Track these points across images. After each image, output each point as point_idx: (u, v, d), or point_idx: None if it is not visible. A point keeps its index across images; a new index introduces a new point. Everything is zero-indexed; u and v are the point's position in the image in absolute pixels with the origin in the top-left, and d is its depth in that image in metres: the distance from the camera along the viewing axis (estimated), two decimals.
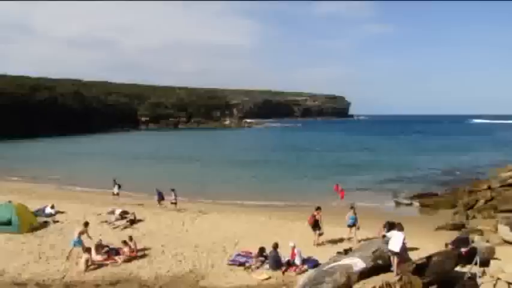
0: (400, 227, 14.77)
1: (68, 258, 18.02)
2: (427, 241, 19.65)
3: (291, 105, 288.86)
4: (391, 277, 13.74)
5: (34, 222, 22.96)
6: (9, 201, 23.73)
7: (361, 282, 13.91)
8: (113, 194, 31.09)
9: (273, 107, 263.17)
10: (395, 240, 14.27)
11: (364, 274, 14.12)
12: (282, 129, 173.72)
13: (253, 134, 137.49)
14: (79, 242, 18.22)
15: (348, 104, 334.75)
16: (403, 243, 14.35)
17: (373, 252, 14.86)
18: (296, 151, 75.67)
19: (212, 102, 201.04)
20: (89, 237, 18.87)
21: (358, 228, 20.38)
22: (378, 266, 14.51)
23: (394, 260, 14.24)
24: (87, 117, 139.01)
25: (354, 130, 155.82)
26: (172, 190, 28.79)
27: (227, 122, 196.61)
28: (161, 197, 28.99)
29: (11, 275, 16.82)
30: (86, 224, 19.46)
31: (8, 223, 21.67)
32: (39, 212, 24.95)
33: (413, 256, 16.00)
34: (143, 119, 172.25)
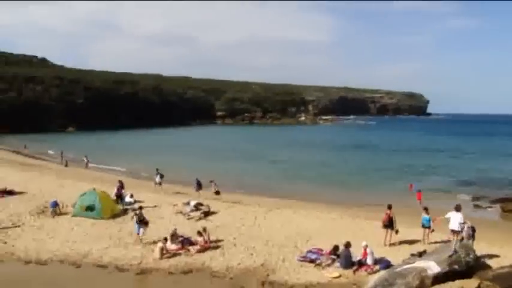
0: (458, 208, 16.18)
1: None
2: (509, 249, 18.61)
3: (367, 102, 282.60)
4: (468, 283, 13.19)
5: (115, 210, 24.30)
6: (93, 189, 25.23)
7: (436, 287, 13.45)
8: (155, 184, 32.48)
9: (349, 104, 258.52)
10: (454, 220, 15.75)
11: (439, 279, 13.63)
12: (356, 126, 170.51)
13: (326, 131, 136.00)
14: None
15: (426, 101, 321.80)
16: (463, 223, 15.98)
17: (450, 257, 14.32)
18: (368, 149, 74.23)
19: (287, 98, 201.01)
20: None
21: (433, 231, 19.69)
22: (454, 271, 13.94)
23: (454, 238, 15.50)
24: (166, 111, 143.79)
25: (431, 129, 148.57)
26: (211, 181, 30.61)
27: (302, 118, 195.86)
28: (200, 187, 30.37)
29: (94, 257, 18.04)
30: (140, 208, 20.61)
31: (92, 209, 23.14)
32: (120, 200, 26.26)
33: (494, 264, 15.29)
34: (219, 113, 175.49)
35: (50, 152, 64.74)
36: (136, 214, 20.30)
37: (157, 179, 32.60)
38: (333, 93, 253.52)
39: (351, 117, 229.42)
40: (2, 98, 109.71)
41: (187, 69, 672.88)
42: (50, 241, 19.85)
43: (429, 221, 19.60)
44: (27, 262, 17.70)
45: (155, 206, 25.88)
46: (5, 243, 19.59)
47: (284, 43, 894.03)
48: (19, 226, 21.91)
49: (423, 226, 19.81)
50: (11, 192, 27.42)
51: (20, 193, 28.49)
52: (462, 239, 16.58)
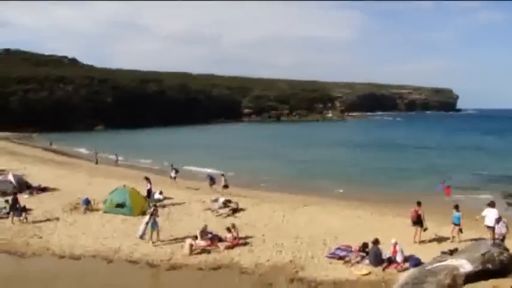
0: (492, 205, 17.18)
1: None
2: None
3: (395, 99, 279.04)
4: (502, 283, 12.97)
5: (145, 207, 24.64)
6: (124, 186, 25.67)
7: (468, 285, 13.25)
8: (170, 178, 33.93)
9: (376, 100, 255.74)
10: (490, 216, 16.66)
11: (471, 277, 13.42)
12: (384, 122, 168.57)
13: (353, 128, 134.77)
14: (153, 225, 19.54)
15: (456, 97, 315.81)
16: (499, 218, 16.68)
17: (483, 255, 14.06)
18: (395, 146, 73.24)
19: (314, 95, 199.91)
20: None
21: (460, 230, 19.36)
22: (487, 270, 13.69)
23: (490, 234, 16.31)
24: (192, 109, 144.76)
25: (459, 125, 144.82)
26: (222, 175, 31.59)
27: (329, 115, 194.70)
28: (213, 181, 31.57)
29: (125, 252, 18.41)
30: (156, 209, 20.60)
31: (123, 206, 23.57)
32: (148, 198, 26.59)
33: None
34: (246, 111, 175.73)
35: (82, 150, 65.90)
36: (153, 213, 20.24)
37: (173, 173, 34.15)
38: (359, 89, 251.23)
39: (379, 113, 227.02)
40: (34, 98, 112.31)
41: (211, 67, 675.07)
42: (83, 237, 20.33)
43: (459, 218, 19.31)
44: (62, 256, 18.25)
45: (184, 203, 26.21)
46: (41, 237, 20.22)
47: (308, 40, 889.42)
48: (53, 221, 22.53)
49: (454, 223, 19.52)
50: (44, 189, 28.14)
51: (53, 190, 29.30)
52: (503, 238, 16.49)
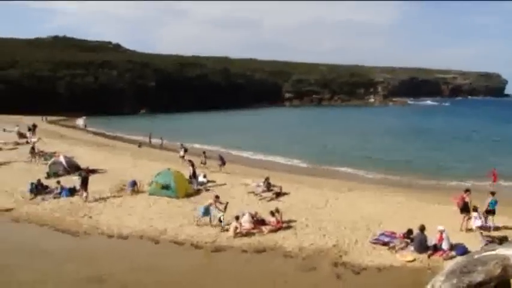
0: None
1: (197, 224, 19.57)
2: None
3: (439, 84, 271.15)
4: None
5: (189, 189, 25.11)
6: (168, 169, 26.18)
7: None
8: (180, 157, 35.47)
9: (420, 85, 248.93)
10: None
11: None
12: (427, 108, 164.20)
13: (395, 113, 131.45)
14: (206, 213, 19.66)
15: (505, 82, 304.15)
16: None
17: None
18: (438, 132, 71.36)
19: (355, 79, 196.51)
20: (218, 207, 19.89)
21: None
22: None
23: None
24: (234, 93, 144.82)
25: (508, 111, 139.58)
26: (220, 156, 33.75)
27: (371, 100, 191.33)
28: (223, 162, 32.84)
29: (170, 234, 18.86)
30: (217, 197, 20.70)
31: (168, 188, 24.08)
32: (192, 180, 27.06)
33: None
34: (287, 95, 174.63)
35: (127, 134, 66.94)
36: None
37: (181, 152, 35.93)
38: (401, 74, 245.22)
39: (422, 99, 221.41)
40: (80, 82, 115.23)
41: (252, 52, 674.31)
42: (129, 217, 20.93)
43: (494, 204, 18.86)
44: (110, 236, 18.87)
45: (227, 186, 26.55)
46: (90, 217, 20.98)
47: (348, 25, 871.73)
48: (101, 202, 23.33)
49: (487, 211, 19.04)
50: (92, 171, 29.03)
51: (100, 172, 30.23)
52: None
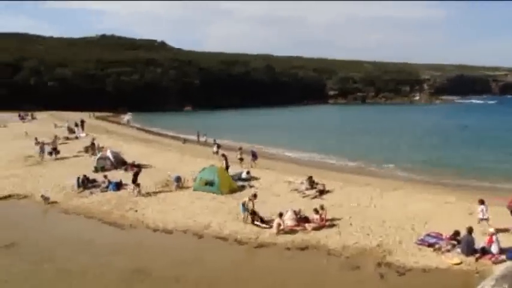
0: None
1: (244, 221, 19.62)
2: None
3: (489, 81, 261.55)
4: None
5: (232, 185, 25.28)
6: (212, 165, 26.48)
7: None
8: (213, 153, 37.42)
9: (468, 83, 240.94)
10: None
11: None
12: (475, 106, 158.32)
13: (441, 112, 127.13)
14: (244, 209, 19.72)
15: None
16: None
17: None
18: (486, 132, 68.53)
19: (401, 77, 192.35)
20: (253, 206, 19.95)
21: None
22: None
23: None
24: (278, 90, 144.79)
25: None
26: (240, 148, 34.97)
27: (417, 98, 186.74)
28: (255, 157, 33.24)
29: (214, 229, 19.07)
30: (255, 196, 20.75)
31: (212, 184, 24.36)
32: (236, 177, 27.29)
33: None
34: (331, 93, 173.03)
35: (173, 133, 67.91)
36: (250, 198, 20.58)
37: (215, 148, 38.14)
38: (449, 71, 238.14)
39: (470, 97, 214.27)
40: (127, 80, 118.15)
41: (295, 49, 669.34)
42: (174, 212, 21.30)
43: None
44: (155, 230, 19.31)
45: (270, 184, 26.57)
46: (136, 211, 21.53)
47: (393, 22, 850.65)
48: (146, 196, 23.88)
49: None
50: (138, 166, 29.71)
51: (145, 167, 30.88)
52: None
